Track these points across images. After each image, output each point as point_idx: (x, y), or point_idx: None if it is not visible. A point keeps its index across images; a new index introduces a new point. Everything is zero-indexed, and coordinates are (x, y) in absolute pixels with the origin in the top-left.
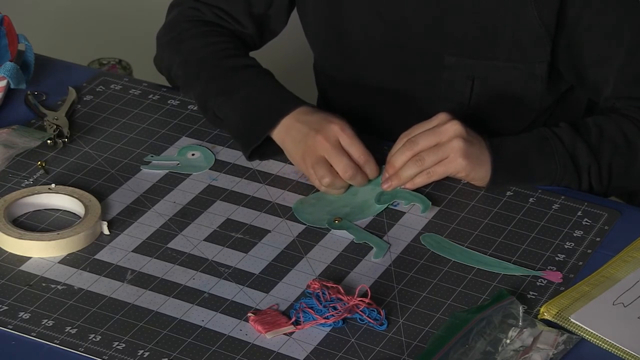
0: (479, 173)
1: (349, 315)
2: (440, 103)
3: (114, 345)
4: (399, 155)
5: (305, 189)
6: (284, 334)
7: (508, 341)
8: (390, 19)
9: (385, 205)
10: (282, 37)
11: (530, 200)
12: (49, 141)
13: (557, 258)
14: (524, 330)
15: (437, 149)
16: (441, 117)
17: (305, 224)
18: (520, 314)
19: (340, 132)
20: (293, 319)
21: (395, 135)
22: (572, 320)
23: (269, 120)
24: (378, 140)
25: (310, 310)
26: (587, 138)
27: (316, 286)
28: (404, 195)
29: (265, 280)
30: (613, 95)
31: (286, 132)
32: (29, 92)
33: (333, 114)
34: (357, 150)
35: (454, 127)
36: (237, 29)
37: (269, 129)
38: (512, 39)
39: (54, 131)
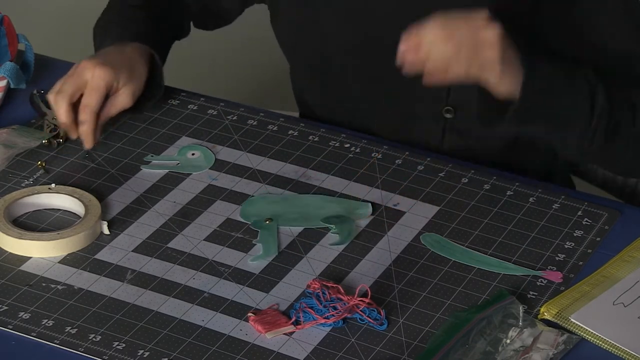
0: (508, 80)
1: (349, 315)
2: (417, 101)
3: (114, 345)
4: (429, 30)
5: (306, 188)
6: (284, 334)
7: (508, 341)
8: (362, 17)
9: (325, 226)
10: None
11: (530, 200)
12: (44, 141)
13: (557, 258)
14: (524, 330)
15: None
16: (481, 15)
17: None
18: (521, 314)
19: (92, 77)
20: (293, 319)
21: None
22: (572, 320)
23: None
24: (375, 142)
25: (310, 310)
26: (609, 89)
27: (316, 286)
28: (336, 221)
29: (265, 280)
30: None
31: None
32: (34, 91)
33: (126, 62)
34: (85, 99)
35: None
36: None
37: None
38: None
39: (51, 131)
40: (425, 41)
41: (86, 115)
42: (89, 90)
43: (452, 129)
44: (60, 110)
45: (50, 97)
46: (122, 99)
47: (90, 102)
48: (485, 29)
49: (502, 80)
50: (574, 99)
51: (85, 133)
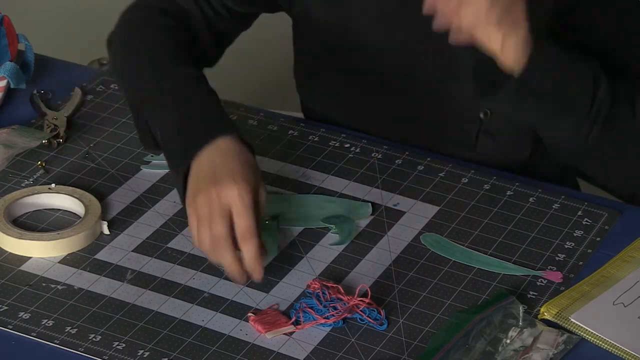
0: (514, 44)
1: (349, 315)
2: (455, 103)
3: (114, 345)
4: None
5: (306, 188)
6: (284, 334)
7: (508, 341)
8: (399, 20)
9: (325, 226)
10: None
11: (531, 200)
12: (44, 141)
13: (557, 258)
14: (524, 330)
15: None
16: None
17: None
18: (521, 314)
19: (235, 198)
20: (293, 319)
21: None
22: (572, 320)
23: (186, 154)
24: (375, 142)
25: (310, 310)
26: (613, 82)
27: (316, 286)
28: (336, 221)
29: (265, 280)
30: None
31: (196, 165)
32: (34, 91)
33: (247, 164)
34: (241, 222)
35: None
36: (210, 16)
37: (185, 164)
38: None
39: (51, 131)
40: None
41: (251, 241)
42: (239, 212)
43: (487, 132)
44: (228, 259)
45: (209, 250)
46: (263, 198)
47: (250, 222)
48: None
49: (523, 44)
50: (577, 84)
51: (254, 260)
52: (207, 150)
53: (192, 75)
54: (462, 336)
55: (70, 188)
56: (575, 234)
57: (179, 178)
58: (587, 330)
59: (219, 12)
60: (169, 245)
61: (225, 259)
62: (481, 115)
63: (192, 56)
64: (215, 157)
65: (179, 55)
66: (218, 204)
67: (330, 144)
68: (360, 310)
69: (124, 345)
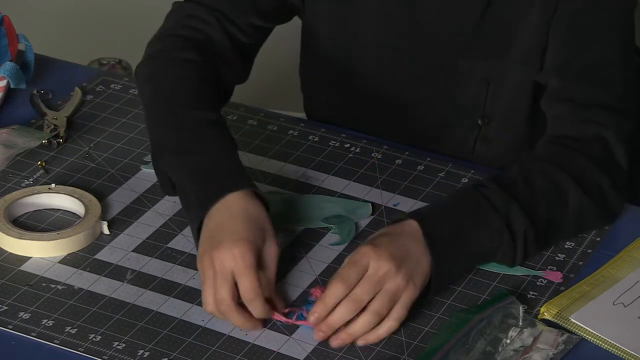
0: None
1: None
2: (456, 109)
3: (114, 345)
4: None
5: (306, 188)
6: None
7: (508, 341)
8: (402, 26)
9: (325, 226)
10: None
11: None
12: (44, 141)
13: (557, 258)
14: (524, 330)
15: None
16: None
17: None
18: (521, 314)
19: (236, 261)
20: (286, 311)
21: (402, 141)
22: (572, 320)
23: (200, 208)
24: (375, 142)
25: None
26: (518, 197)
27: (318, 294)
28: (336, 221)
29: None
30: (556, 92)
31: (205, 223)
32: (34, 91)
33: (253, 221)
34: (244, 284)
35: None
36: (236, 35)
37: (196, 221)
38: (523, 38)
39: (51, 131)
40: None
41: (255, 301)
42: (240, 274)
43: (484, 138)
44: (239, 322)
45: (214, 312)
46: (271, 253)
47: (252, 283)
48: (389, 281)
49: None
50: (489, 237)
51: (262, 316)
52: (216, 209)
53: (211, 120)
54: (462, 336)
55: (70, 188)
56: None
57: (194, 233)
58: (587, 330)
59: (244, 31)
60: (169, 245)
61: (231, 320)
62: (479, 122)
63: (216, 94)
64: (223, 216)
65: (199, 97)
66: (220, 267)
67: (330, 144)
68: None
69: (124, 345)
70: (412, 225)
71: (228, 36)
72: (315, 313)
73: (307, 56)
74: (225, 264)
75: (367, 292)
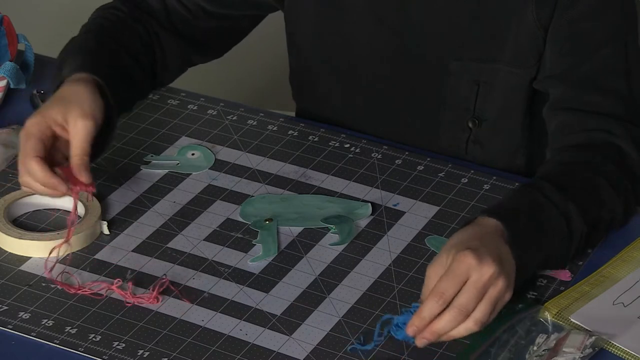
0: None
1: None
2: (445, 110)
3: (114, 345)
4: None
5: (306, 188)
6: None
7: (535, 348)
8: (393, 26)
9: (325, 226)
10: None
11: None
12: None
13: None
14: (551, 335)
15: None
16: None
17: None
18: (550, 320)
19: (25, 128)
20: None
21: (395, 139)
22: (572, 320)
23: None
24: (375, 142)
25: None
26: (574, 198)
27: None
28: (336, 221)
29: (265, 280)
30: (559, 100)
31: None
32: (34, 91)
33: (60, 102)
34: (23, 148)
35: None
36: (177, 10)
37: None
38: (516, 41)
39: None
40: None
41: (26, 160)
42: (22, 141)
43: (476, 140)
44: (38, 173)
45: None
46: (74, 128)
47: (25, 150)
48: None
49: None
50: (558, 244)
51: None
52: (64, 86)
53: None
54: (488, 346)
55: None
56: None
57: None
58: (587, 330)
59: (191, 11)
60: (169, 245)
61: (37, 171)
62: (470, 124)
63: (133, 44)
64: (63, 89)
65: (114, 36)
66: (22, 132)
67: (330, 144)
68: None
69: (124, 345)
70: (497, 225)
71: (166, 7)
72: (413, 326)
73: (296, 64)
74: (25, 131)
75: (473, 300)
